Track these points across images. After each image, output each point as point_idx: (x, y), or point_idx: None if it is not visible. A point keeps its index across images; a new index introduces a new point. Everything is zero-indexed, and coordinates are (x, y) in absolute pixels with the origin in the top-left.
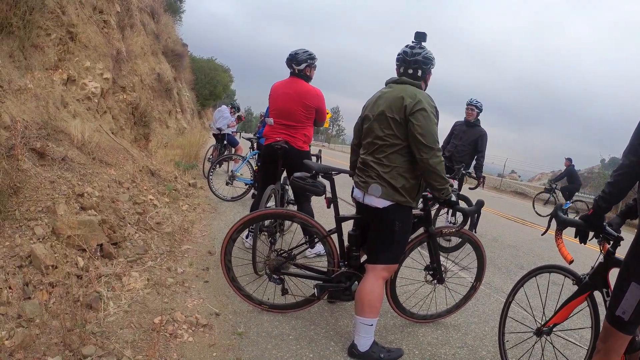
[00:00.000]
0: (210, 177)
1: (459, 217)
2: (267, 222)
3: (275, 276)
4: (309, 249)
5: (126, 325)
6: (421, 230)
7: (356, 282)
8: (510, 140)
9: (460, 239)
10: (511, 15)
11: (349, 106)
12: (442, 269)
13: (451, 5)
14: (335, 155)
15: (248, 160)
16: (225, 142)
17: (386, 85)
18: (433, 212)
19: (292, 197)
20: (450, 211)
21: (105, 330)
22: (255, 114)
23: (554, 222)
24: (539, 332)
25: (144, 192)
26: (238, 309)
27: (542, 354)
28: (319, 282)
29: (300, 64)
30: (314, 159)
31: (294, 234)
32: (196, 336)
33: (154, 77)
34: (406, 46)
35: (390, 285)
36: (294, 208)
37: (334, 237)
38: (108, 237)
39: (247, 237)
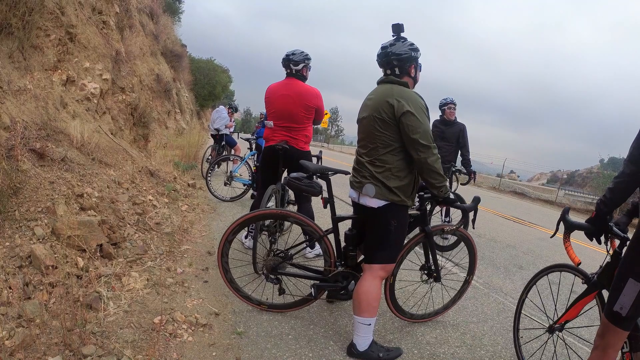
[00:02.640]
0: (209, 177)
1: (453, 216)
2: (267, 222)
3: (272, 276)
4: (309, 249)
5: (126, 325)
6: (417, 230)
7: (353, 282)
8: (510, 140)
9: (456, 237)
10: (511, 15)
11: (349, 106)
12: (439, 267)
13: (452, 4)
14: (334, 155)
15: (246, 161)
16: (223, 142)
17: (377, 84)
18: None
19: (292, 197)
20: (444, 210)
21: (105, 330)
22: (254, 114)
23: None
24: (551, 329)
25: (144, 192)
26: (237, 308)
27: (555, 350)
28: (316, 281)
29: (298, 64)
30: (314, 159)
31: (291, 233)
32: (196, 336)
33: (153, 78)
34: (381, 46)
35: (390, 289)
36: (294, 208)
37: (331, 237)
38: (108, 237)
39: (246, 238)
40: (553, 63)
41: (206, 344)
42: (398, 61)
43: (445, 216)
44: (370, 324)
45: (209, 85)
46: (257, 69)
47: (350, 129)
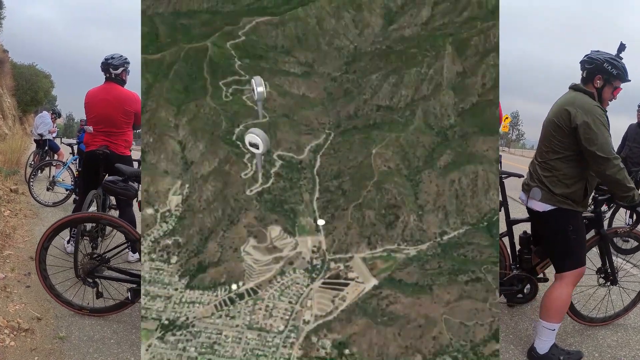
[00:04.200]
0: (32, 182)
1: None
2: (88, 227)
3: (89, 279)
4: (131, 254)
5: None
6: (592, 232)
7: (529, 285)
8: None
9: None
10: None
11: (529, 109)
12: (615, 270)
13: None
14: (514, 159)
15: (69, 166)
16: (46, 147)
17: (568, 89)
18: (610, 212)
19: (114, 202)
20: (629, 212)
21: None
22: (76, 120)
23: None
24: None
25: None
26: (60, 313)
27: None
28: (133, 285)
29: (118, 69)
30: (135, 164)
31: (114, 238)
32: (18, 340)
33: None
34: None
35: None
36: (117, 213)
37: (505, 240)
38: None
39: (68, 242)
40: None
41: (28, 349)
42: (588, 65)
43: (630, 217)
44: (554, 329)
45: (31, 90)
46: (81, 73)
47: (531, 133)
